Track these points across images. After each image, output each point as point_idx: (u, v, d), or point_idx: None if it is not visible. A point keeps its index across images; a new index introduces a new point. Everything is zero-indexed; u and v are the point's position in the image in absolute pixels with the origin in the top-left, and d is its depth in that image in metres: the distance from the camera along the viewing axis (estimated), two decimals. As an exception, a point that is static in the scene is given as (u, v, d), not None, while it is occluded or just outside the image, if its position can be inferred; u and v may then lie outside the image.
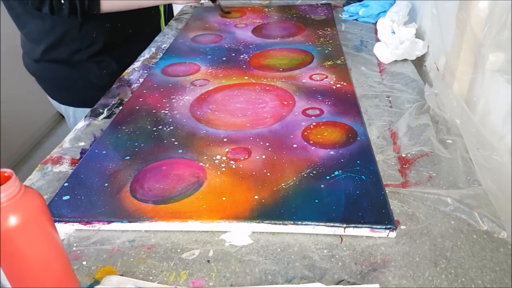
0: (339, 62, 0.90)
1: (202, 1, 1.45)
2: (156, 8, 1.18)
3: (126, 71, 0.93)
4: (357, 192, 0.53)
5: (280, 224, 0.49)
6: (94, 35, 0.99)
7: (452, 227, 0.49)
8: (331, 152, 0.61)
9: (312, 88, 0.80)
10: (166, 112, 0.74)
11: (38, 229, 0.36)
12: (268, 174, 0.57)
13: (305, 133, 0.66)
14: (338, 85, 0.80)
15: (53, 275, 0.39)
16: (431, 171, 0.58)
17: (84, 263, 0.47)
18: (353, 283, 0.43)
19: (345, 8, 1.22)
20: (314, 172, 0.57)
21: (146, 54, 1.01)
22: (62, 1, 0.88)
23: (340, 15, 1.21)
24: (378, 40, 1.00)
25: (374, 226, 0.48)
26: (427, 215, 0.51)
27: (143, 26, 1.11)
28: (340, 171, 0.57)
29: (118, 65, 1.02)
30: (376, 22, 1.05)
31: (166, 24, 1.26)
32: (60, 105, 1.08)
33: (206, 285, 0.44)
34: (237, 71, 0.89)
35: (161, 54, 0.99)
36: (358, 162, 0.58)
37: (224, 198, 0.53)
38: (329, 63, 0.90)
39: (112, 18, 0.98)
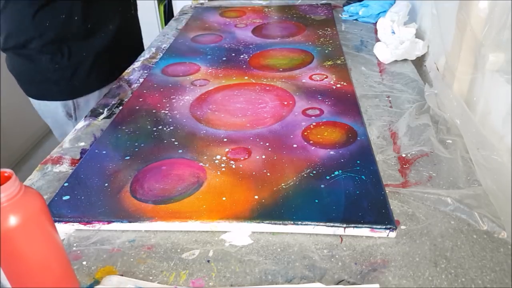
0: (339, 62, 0.90)
1: (202, 1, 1.45)
2: (126, 4, 1.11)
3: (126, 71, 0.93)
4: (357, 192, 0.53)
5: (280, 224, 0.49)
6: (47, 25, 0.94)
7: (452, 227, 0.49)
8: (331, 152, 0.61)
9: (312, 88, 0.80)
10: (166, 112, 0.74)
11: (38, 229, 0.36)
12: (268, 174, 0.57)
13: (305, 133, 0.66)
14: (338, 85, 0.80)
15: (53, 275, 0.39)
16: (431, 171, 0.58)
17: (84, 263, 0.47)
18: (353, 283, 0.43)
19: (345, 8, 1.22)
20: (314, 172, 0.57)
21: (146, 54, 1.01)
22: None
23: (340, 15, 1.21)
24: (378, 40, 1.00)
25: (374, 226, 0.48)
26: (427, 215, 0.51)
27: (104, 21, 1.03)
28: (340, 171, 0.57)
29: (71, 60, 0.97)
30: (376, 22, 1.05)
31: (166, 24, 1.26)
32: (28, 98, 1.05)
33: (206, 285, 0.44)
34: (237, 71, 0.89)
35: (161, 54, 0.99)
36: (358, 162, 0.58)
37: (224, 198, 0.53)
38: (329, 63, 0.90)
39: (68, 10, 0.94)
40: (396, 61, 0.90)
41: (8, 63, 1.03)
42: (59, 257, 0.39)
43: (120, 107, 0.77)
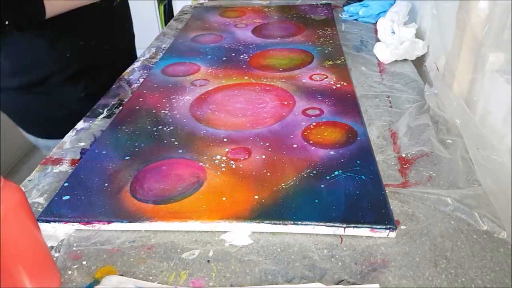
0: (339, 62, 0.90)
1: (202, 1, 1.45)
2: (128, 20, 1.05)
3: (126, 71, 0.93)
4: (357, 192, 0.53)
5: (280, 224, 0.49)
6: (67, 55, 0.87)
7: (452, 227, 0.49)
8: (331, 152, 0.61)
9: (312, 88, 0.80)
10: (166, 112, 0.74)
11: (17, 223, 0.36)
12: (268, 174, 0.57)
13: (305, 133, 0.66)
14: (338, 85, 0.80)
15: (31, 269, 0.39)
16: (431, 171, 0.58)
17: (84, 263, 0.47)
18: (353, 283, 0.43)
19: (345, 8, 1.22)
20: (314, 172, 0.57)
21: (146, 54, 1.01)
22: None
23: (340, 15, 1.21)
24: (378, 40, 1.00)
25: (374, 226, 0.48)
26: (427, 215, 0.51)
27: (118, 42, 1.00)
28: (340, 171, 0.57)
29: (95, 86, 0.91)
30: (376, 22, 1.05)
31: (166, 24, 1.26)
32: (38, 139, 0.93)
33: (206, 285, 0.44)
34: (237, 71, 0.89)
35: (161, 54, 0.99)
36: (358, 162, 0.58)
37: (224, 198, 0.53)
38: (329, 63, 0.90)
39: (85, 36, 0.87)
40: (396, 61, 0.90)
41: (8, 104, 0.90)
42: (38, 251, 0.40)
43: (120, 107, 0.77)
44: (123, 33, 1.03)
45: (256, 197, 0.53)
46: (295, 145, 0.63)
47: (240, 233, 0.50)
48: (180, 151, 0.63)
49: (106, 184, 0.56)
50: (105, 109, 0.77)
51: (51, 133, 0.92)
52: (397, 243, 0.48)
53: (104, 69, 0.94)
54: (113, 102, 0.80)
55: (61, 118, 0.89)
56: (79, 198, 0.54)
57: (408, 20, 0.98)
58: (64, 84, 0.88)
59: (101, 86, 0.86)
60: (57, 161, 0.64)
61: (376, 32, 1.07)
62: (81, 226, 0.51)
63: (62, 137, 0.71)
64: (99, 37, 0.92)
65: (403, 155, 0.61)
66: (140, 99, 0.78)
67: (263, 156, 0.61)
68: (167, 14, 2.61)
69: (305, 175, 0.56)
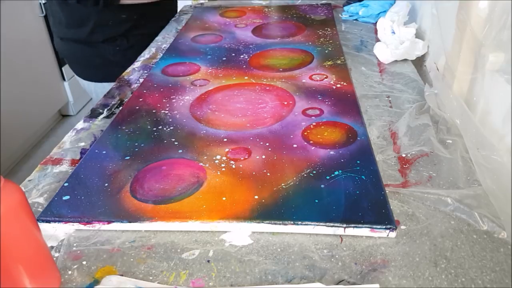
0: (339, 62, 0.90)
1: (201, 1, 1.45)
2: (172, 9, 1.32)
3: (126, 71, 0.93)
4: (357, 192, 0.53)
5: (280, 224, 0.49)
6: (110, 23, 1.12)
7: (452, 227, 0.49)
8: (331, 152, 0.61)
9: (312, 88, 0.80)
10: (166, 112, 0.74)
11: (17, 222, 0.36)
12: (268, 174, 0.57)
13: (305, 133, 0.66)
14: (338, 85, 0.80)
15: (31, 269, 0.39)
16: (431, 171, 0.58)
17: (84, 263, 0.47)
18: (353, 283, 0.43)
19: (345, 8, 1.22)
20: (314, 172, 0.57)
21: (146, 54, 1.01)
22: None
23: (340, 15, 1.21)
24: (378, 40, 1.00)
25: (374, 226, 0.48)
26: (427, 215, 0.51)
27: (157, 11, 1.21)
28: (340, 171, 0.57)
29: (129, 42, 1.17)
30: (376, 22, 1.05)
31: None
32: (84, 82, 1.22)
33: (206, 285, 0.44)
34: (237, 71, 0.89)
35: (161, 54, 0.99)
36: (358, 162, 0.58)
37: (224, 198, 0.53)
38: (329, 63, 0.90)
39: (129, 10, 1.12)
40: (396, 61, 0.90)
41: (61, 47, 1.21)
42: (38, 251, 0.40)
43: (120, 107, 0.77)
44: (160, 18, 1.26)
45: (256, 197, 0.53)
46: (295, 145, 0.63)
47: (240, 233, 0.50)
48: (180, 151, 0.63)
49: (106, 184, 0.56)
50: (105, 109, 0.77)
51: (91, 77, 1.21)
52: (397, 243, 0.48)
53: (137, 28, 1.18)
54: (113, 102, 0.80)
55: (99, 65, 1.18)
56: (79, 198, 0.54)
57: (408, 20, 0.98)
58: (104, 42, 1.15)
59: (133, 42, 1.16)
60: (57, 161, 0.64)
61: (376, 32, 1.07)
62: (81, 226, 0.51)
63: (97, 81, 1.19)
64: (140, 16, 1.16)
65: (403, 155, 0.61)
66: (140, 99, 0.78)
67: (263, 156, 0.61)
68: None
69: (305, 175, 0.56)
